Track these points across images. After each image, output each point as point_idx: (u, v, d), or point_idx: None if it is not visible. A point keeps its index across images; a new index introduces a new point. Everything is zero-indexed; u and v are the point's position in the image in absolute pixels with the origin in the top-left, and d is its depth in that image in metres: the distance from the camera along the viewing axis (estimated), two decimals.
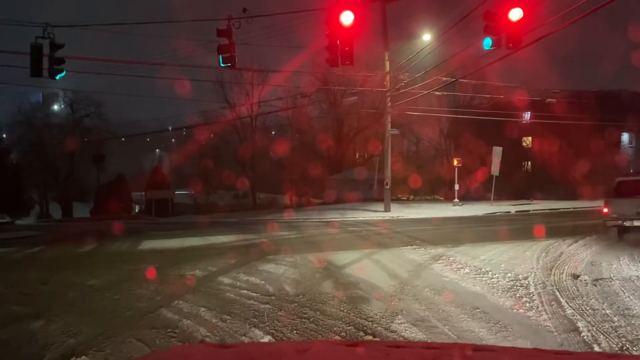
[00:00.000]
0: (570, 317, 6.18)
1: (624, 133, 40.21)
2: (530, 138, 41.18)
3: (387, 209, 24.92)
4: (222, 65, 14.20)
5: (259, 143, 45.16)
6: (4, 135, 49.17)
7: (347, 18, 12.36)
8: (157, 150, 78.17)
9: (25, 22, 15.35)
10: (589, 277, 8.42)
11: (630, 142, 41.54)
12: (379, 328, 5.93)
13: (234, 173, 44.55)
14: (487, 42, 12.47)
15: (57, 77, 14.87)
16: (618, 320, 6.01)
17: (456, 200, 28.37)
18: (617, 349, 5.13)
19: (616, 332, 5.65)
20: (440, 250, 11.42)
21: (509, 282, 8.14)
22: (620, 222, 12.19)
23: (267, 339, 5.62)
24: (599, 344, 5.24)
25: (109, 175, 48.44)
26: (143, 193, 47.76)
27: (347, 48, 12.68)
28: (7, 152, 40.00)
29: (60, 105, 53.18)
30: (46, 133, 48.42)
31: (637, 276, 8.39)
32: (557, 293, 7.37)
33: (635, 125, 37.19)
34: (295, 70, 34.30)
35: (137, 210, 49.69)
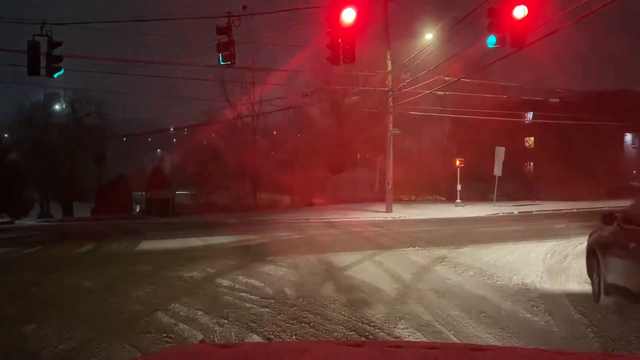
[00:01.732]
0: (580, 322, 5.98)
1: (627, 133, 40.00)
2: (532, 138, 40.98)
3: (388, 210, 24.72)
4: (221, 63, 14.02)
5: (260, 143, 45.01)
6: (5, 135, 49.07)
7: (348, 15, 12.17)
8: (158, 150, 78.02)
9: (23, 20, 15.17)
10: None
11: (633, 142, 41.31)
12: (382, 333, 5.73)
13: (235, 173, 44.39)
14: (491, 40, 12.29)
15: (55, 76, 14.70)
16: (630, 327, 5.80)
17: (458, 200, 28.14)
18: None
19: (628, 338, 5.44)
20: (443, 251, 11.21)
21: (514, 285, 7.93)
22: None
23: None
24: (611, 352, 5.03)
25: (110, 175, 48.32)
26: (144, 193, 47.61)
27: (348, 46, 12.48)
28: (8, 151, 39.89)
29: (61, 105, 53.03)
30: (47, 132, 48.32)
31: None
32: (565, 297, 7.16)
33: (639, 126, 36.99)
34: (296, 69, 34.17)
35: (137, 210, 49.53)
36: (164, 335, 5.79)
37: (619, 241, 6.47)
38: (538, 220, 20.69)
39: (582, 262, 9.66)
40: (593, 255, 7.14)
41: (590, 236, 7.55)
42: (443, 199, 38.70)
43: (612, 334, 5.54)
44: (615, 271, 6.46)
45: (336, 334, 5.71)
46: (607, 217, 6.97)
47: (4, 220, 30.80)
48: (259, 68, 32.76)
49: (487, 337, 5.54)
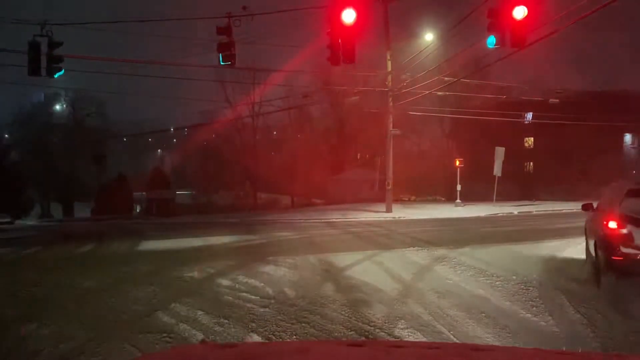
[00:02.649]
0: (580, 322, 5.99)
1: (627, 133, 39.97)
2: (532, 138, 40.99)
3: (388, 210, 24.72)
4: (222, 63, 14.02)
5: (260, 143, 45.04)
6: (6, 135, 49.07)
7: (348, 16, 12.16)
8: (159, 150, 78.02)
9: (23, 20, 15.18)
10: (596, 280, 8.21)
11: (632, 142, 41.27)
12: (382, 333, 5.74)
13: (235, 173, 44.42)
14: (491, 41, 12.27)
15: (56, 76, 14.69)
16: (630, 327, 5.82)
17: (458, 201, 28.14)
18: None
19: (627, 339, 5.46)
20: (443, 251, 11.21)
21: (514, 285, 7.94)
22: None
23: None
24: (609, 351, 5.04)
25: (110, 175, 48.35)
26: (144, 193, 47.65)
27: (348, 47, 12.47)
28: (8, 151, 39.91)
29: (61, 105, 53.01)
30: (47, 133, 48.36)
31: None
32: (564, 297, 7.16)
33: (638, 126, 36.96)
34: (296, 69, 34.21)
35: (138, 210, 49.57)
36: (165, 335, 5.80)
37: (590, 221, 9.14)
38: (538, 220, 20.70)
39: (582, 263, 9.72)
40: (584, 234, 9.81)
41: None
42: (443, 199, 38.70)
43: (612, 334, 5.55)
44: (589, 243, 8.88)
45: (336, 334, 5.72)
46: (585, 205, 9.38)
47: (4, 221, 30.79)
48: (259, 68, 32.77)
49: (487, 337, 5.55)
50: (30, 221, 37.21)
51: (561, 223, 18.01)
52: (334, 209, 28.38)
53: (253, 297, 7.44)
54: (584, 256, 10.46)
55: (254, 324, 6.12)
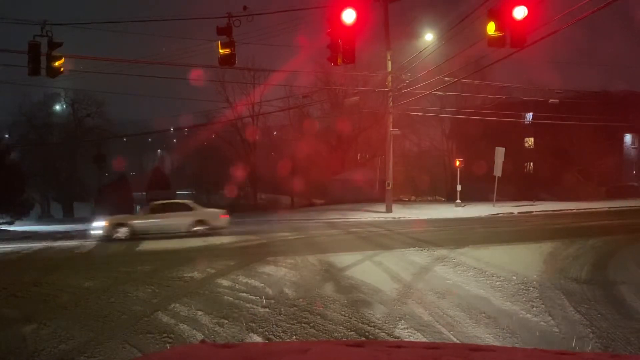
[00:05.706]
0: (579, 322, 5.99)
1: (627, 134, 39.97)
2: (532, 138, 40.97)
3: (388, 210, 24.71)
4: (222, 63, 13.99)
5: (260, 143, 45.06)
6: (6, 135, 49.03)
7: (349, 16, 12.15)
8: (159, 150, 78.02)
9: (23, 20, 15.18)
10: (596, 280, 8.22)
11: (633, 143, 41.28)
12: (382, 334, 5.74)
13: (235, 173, 44.39)
14: (491, 41, 12.26)
15: (55, 76, 14.68)
16: (630, 327, 5.81)
17: (458, 201, 28.14)
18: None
19: (627, 338, 5.45)
20: (443, 252, 11.21)
21: (514, 285, 7.94)
22: None
23: None
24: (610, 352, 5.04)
25: (110, 175, 48.36)
26: (144, 193, 47.64)
27: (348, 47, 12.46)
28: (8, 151, 39.83)
29: (61, 105, 52.98)
30: (47, 133, 48.33)
31: None
32: (564, 297, 7.17)
33: (638, 126, 36.99)
34: (296, 70, 34.26)
35: (137, 211, 49.56)
36: (165, 335, 5.80)
37: None
38: (538, 220, 20.69)
39: (582, 263, 9.73)
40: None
41: None
42: (443, 199, 38.72)
43: (612, 334, 5.55)
44: None
45: (336, 335, 5.72)
46: None
47: (4, 221, 30.77)
48: (259, 69, 32.79)
49: (487, 337, 5.55)
50: (30, 221, 37.15)
51: (561, 224, 18.02)
52: (334, 209, 28.37)
53: (253, 297, 7.44)
54: (584, 257, 10.51)
55: (254, 324, 6.12)
